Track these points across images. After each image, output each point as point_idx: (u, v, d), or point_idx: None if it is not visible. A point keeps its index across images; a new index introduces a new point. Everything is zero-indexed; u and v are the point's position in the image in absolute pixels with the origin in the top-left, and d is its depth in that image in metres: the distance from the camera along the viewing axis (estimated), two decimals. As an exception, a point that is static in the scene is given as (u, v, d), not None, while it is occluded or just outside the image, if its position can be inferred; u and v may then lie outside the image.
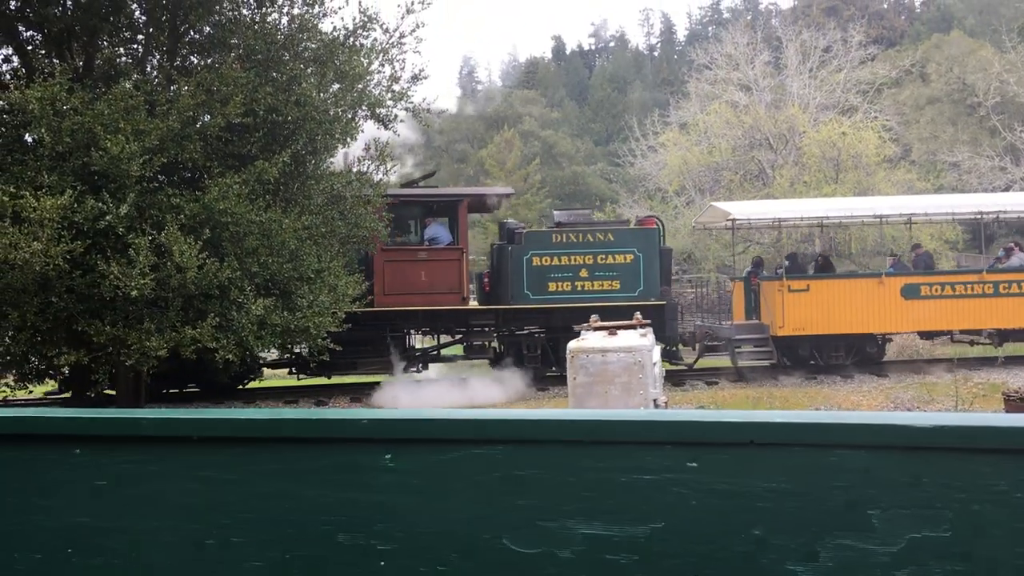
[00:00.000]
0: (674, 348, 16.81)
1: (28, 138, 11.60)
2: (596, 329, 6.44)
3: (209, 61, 12.23)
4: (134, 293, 10.28)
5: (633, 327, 6.76)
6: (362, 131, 14.56)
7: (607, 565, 1.79)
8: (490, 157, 50.79)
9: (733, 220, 17.76)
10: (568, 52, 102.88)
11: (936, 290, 16.85)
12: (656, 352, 6.74)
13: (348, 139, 13.68)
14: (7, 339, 10.62)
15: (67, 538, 2.08)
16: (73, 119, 10.34)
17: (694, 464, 1.78)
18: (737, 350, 16.85)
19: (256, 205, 11.36)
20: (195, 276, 10.55)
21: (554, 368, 16.02)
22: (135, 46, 12.91)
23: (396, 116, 14.30)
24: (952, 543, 1.65)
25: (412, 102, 14.04)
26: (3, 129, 11.88)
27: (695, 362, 17.68)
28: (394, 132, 14.71)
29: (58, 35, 11.71)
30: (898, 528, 1.66)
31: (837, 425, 1.74)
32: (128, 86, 11.05)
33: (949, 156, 33.05)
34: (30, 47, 12.25)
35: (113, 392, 13.32)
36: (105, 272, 10.30)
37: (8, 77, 11.92)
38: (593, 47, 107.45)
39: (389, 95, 13.90)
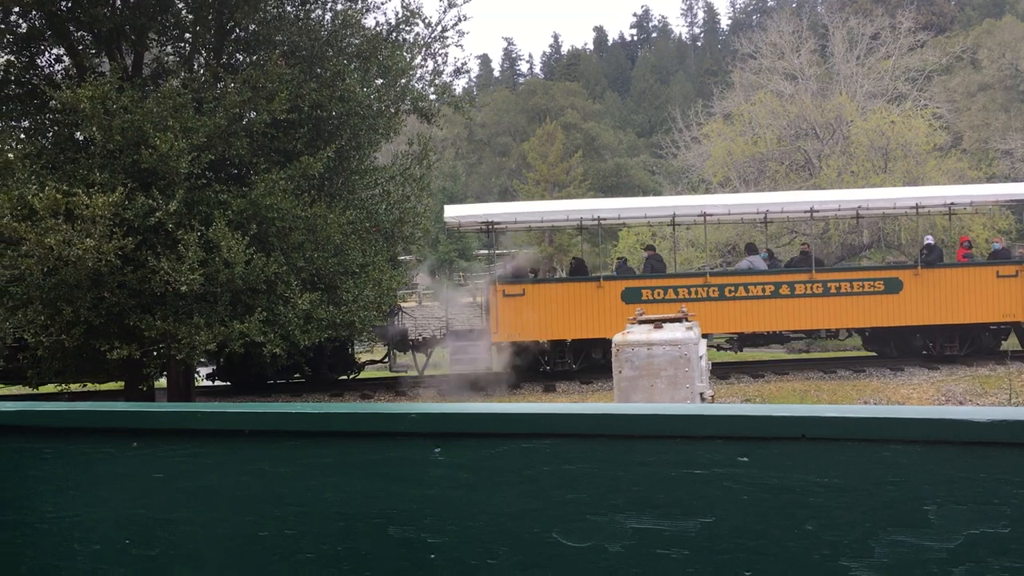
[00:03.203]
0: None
1: (80, 137, 11.83)
2: (642, 322, 6.40)
3: (255, 58, 12.36)
4: (184, 288, 10.44)
5: (679, 320, 6.72)
6: (405, 125, 14.65)
7: (657, 559, 1.78)
8: (532, 150, 50.73)
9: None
10: (610, 43, 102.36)
11: (659, 294, 16.43)
12: (702, 345, 6.69)
13: (391, 134, 13.77)
14: (62, 334, 10.84)
15: (125, 529, 2.13)
16: (123, 117, 10.51)
17: (745, 458, 1.76)
18: (454, 356, 16.50)
19: (301, 200, 11.47)
20: (242, 271, 10.69)
21: None
22: (182, 45, 13.09)
23: (438, 110, 14.36)
24: (1011, 539, 1.61)
25: (455, 96, 14.06)
26: (56, 128, 12.14)
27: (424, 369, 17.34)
28: (437, 127, 14.77)
29: (108, 35, 11.91)
30: (955, 524, 1.63)
31: (892, 420, 1.71)
32: (176, 84, 11.22)
33: (1001, 144, 32.32)
34: (81, 47, 12.48)
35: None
36: (155, 267, 10.48)
37: (60, 77, 12.16)
38: (635, 38, 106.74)
39: (431, 89, 13.95)
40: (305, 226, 11.53)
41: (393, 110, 13.36)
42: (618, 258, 19.38)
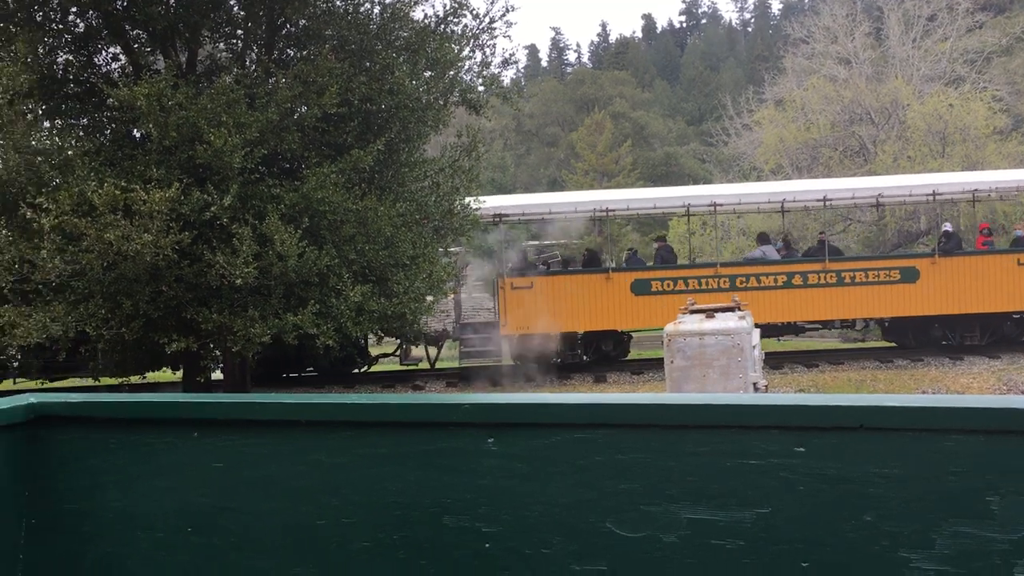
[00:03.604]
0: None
1: (136, 133, 12.08)
2: (693, 312, 6.35)
3: (305, 53, 12.49)
4: (239, 281, 10.62)
5: (731, 310, 6.65)
6: (454, 117, 14.70)
7: (713, 550, 1.77)
8: (580, 140, 50.55)
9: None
10: (659, 30, 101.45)
11: (668, 285, 16.19)
12: (756, 335, 6.62)
13: (440, 126, 13.83)
14: (122, 327, 11.10)
15: (187, 518, 2.18)
16: (178, 114, 10.71)
17: (801, 449, 1.74)
18: (464, 348, 16.48)
19: (352, 193, 11.58)
20: (295, 264, 10.83)
21: None
22: (234, 41, 13.28)
23: (487, 101, 14.37)
24: None
25: (504, 87, 14.07)
26: (114, 125, 12.40)
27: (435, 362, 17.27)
28: (486, 118, 14.79)
29: (162, 33, 12.13)
30: (1019, 515, 1.60)
31: (953, 409, 1.68)
32: (229, 80, 11.39)
33: (1065, 126, 31.34)
34: (136, 46, 12.73)
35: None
36: (211, 261, 10.67)
37: (117, 75, 12.41)
38: (684, 24, 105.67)
39: (480, 81, 13.97)
40: (356, 219, 11.63)
41: (442, 102, 13.41)
42: (628, 250, 19.24)
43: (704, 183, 39.63)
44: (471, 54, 13.80)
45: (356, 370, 16.97)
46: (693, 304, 6.84)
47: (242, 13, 12.67)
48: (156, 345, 11.61)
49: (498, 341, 16.30)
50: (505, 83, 15.17)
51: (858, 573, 1.69)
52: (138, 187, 10.32)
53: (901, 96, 28.41)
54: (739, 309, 6.82)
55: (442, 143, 16.08)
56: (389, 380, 16.70)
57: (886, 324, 17.57)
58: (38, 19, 11.82)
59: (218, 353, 12.80)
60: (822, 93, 30.03)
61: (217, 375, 14.79)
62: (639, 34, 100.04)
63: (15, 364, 13.80)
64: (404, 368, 17.54)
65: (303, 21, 12.49)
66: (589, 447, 1.89)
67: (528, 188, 50.63)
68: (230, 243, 10.76)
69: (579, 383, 15.62)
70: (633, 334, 18.05)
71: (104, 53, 12.98)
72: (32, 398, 2.34)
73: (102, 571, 2.22)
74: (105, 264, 10.49)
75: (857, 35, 31.47)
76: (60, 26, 12.18)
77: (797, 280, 16.20)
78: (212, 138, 10.44)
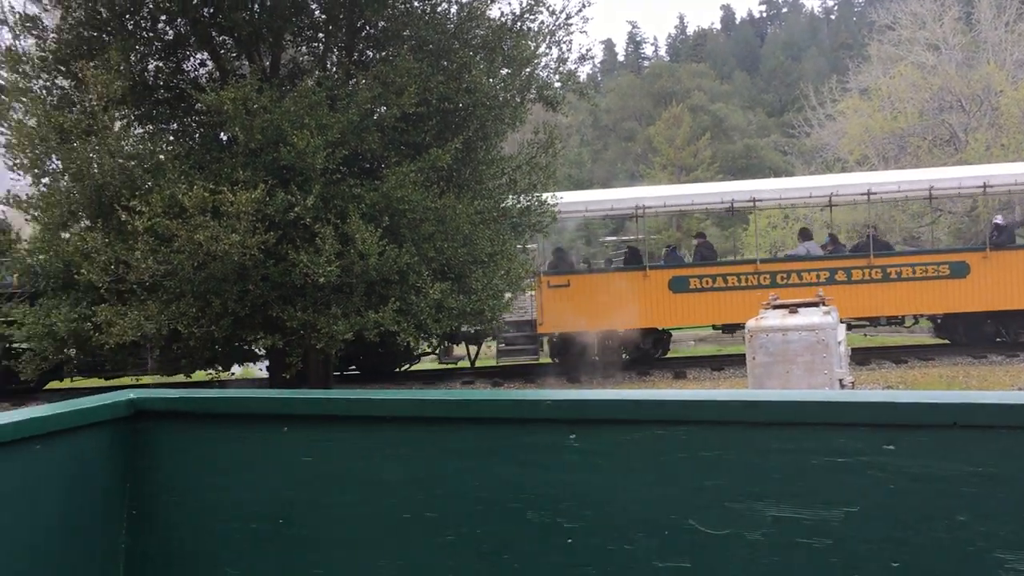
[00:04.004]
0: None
1: (223, 137, 12.43)
2: (776, 307, 6.25)
3: (384, 54, 12.67)
4: (322, 280, 10.84)
5: (815, 305, 6.52)
6: (531, 114, 14.72)
7: (799, 548, 1.75)
8: (658, 134, 50.08)
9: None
10: (738, 21, 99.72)
11: (707, 283, 15.70)
12: (841, 330, 6.47)
13: (517, 123, 13.87)
14: (212, 325, 11.44)
15: (278, 510, 2.24)
16: (263, 117, 10.98)
17: (891, 447, 1.70)
18: (501, 346, 16.22)
19: (431, 192, 11.71)
20: (376, 262, 11.00)
21: None
22: (316, 44, 13.55)
23: (563, 97, 14.35)
24: None
25: (580, 82, 14.04)
26: (202, 130, 12.79)
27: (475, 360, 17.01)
28: (563, 114, 14.78)
29: (247, 38, 12.45)
30: None
31: None
32: (311, 83, 11.63)
33: None
34: (222, 51, 13.09)
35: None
36: (295, 260, 10.92)
37: (204, 80, 12.79)
38: (764, 14, 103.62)
39: (556, 77, 13.97)
40: (435, 217, 11.76)
41: (519, 99, 13.45)
42: (667, 246, 18.95)
43: (786, 175, 38.85)
44: (547, 50, 13.81)
45: (398, 368, 17.10)
46: (776, 299, 6.72)
47: (323, 17, 12.92)
48: (243, 342, 11.93)
49: (535, 340, 16.28)
50: (581, 79, 15.10)
51: (951, 574, 1.65)
52: (225, 189, 10.62)
53: (993, 82, 27.35)
54: (823, 304, 6.68)
55: (519, 140, 16.14)
56: (429, 378, 16.82)
57: (938, 320, 17.04)
58: (130, 28, 12.25)
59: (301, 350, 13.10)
60: (910, 81, 29.10)
61: (262, 372, 15.22)
62: (717, 25, 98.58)
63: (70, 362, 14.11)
64: (443, 367, 17.63)
65: (382, 23, 12.66)
66: (671, 444, 1.89)
67: (605, 184, 50.37)
68: (313, 242, 10.99)
69: (658, 379, 15.49)
70: (673, 332, 17.92)
71: (192, 59, 13.39)
72: (132, 394, 2.44)
73: (199, 562, 2.31)
74: (195, 264, 10.82)
75: (946, 20, 30.38)
76: (150, 34, 12.60)
77: (841, 276, 15.83)
78: (295, 140, 10.68)
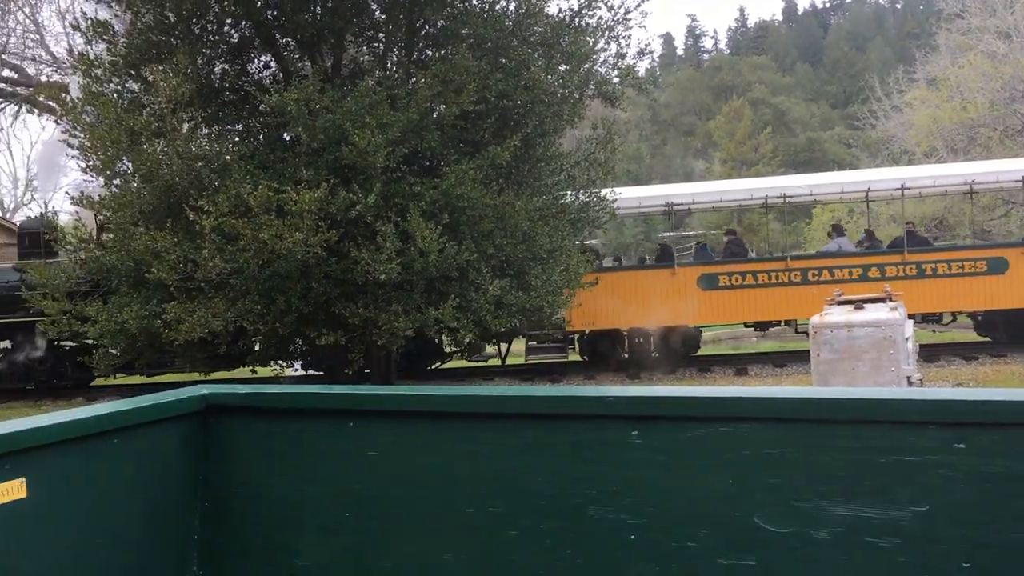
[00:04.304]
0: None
1: (287, 137, 12.64)
2: (840, 303, 6.15)
3: (443, 53, 12.75)
4: (383, 277, 10.97)
5: (882, 300, 6.39)
6: (589, 110, 14.68)
7: (867, 548, 1.73)
8: (718, 128, 49.50)
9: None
10: (800, 12, 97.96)
11: (736, 280, 15.34)
12: (909, 326, 6.33)
13: (575, 119, 13.85)
14: (276, 322, 11.66)
15: (346, 503, 2.29)
16: (325, 117, 11.15)
17: (962, 445, 1.68)
18: (530, 344, 16.05)
19: (490, 189, 11.76)
20: (436, 259, 11.09)
21: None
22: (376, 44, 13.70)
23: (622, 93, 14.29)
24: None
25: (639, 77, 13.95)
26: (266, 130, 13.03)
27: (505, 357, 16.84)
28: (621, 110, 14.71)
29: (309, 40, 12.65)
30: None
31: None
32: (371, 83, 11.77)
33: None
34: (285, 53, 13.32)
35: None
36: (357, 258, 11.06)
37: (268, 82, 13.03)
38: (828, 4, 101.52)
39: (615, 72, 13.90)
40: (494, 214, 11.81)
41: (577, 95, 13.42)
42: (697, 243, 18.66)
43: (850, 168, 38.07)
44: (606, 46, 13.76)
45: (430, 366, 17.18)
46: (840, 295, 6.61)
47: (383, 17, 13.05)
48: (307, 339, 12.12)
49: (564, 338, 16.24)
50: (640, 73, 15.03)
51: None
52: (289, 188, 10.81)
53: (1069, 70, 26.44)
54: (890, 300, 6.54)
55: (577, 136, 16.09)
56: (460, 376, 16.81)
57: (979, 317, 16.57)
58: (196, 31, 12.54)
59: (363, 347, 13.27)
60: (979, 70, 28.25)
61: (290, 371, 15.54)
62: (779, 17, 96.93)
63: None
64: (473, 364, 17.65)
65: (441, 21, 12.75)
66: (735, 441, 1.88)
67: (664, 179, 49.94)
68: (374, 240, 11.12)
69: (719, 376, 15.34)
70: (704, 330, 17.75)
71: (256, 61, 13.65)
72: (204, 389, 2.52)
73: (271, 554, 2.37)
74: (260, 262, 11.03)
75: (1018, 7, 29.40)
76: (216, 37, 12.88)
77: (874, 273, 15.48)
78: (357, 139, 10.82)
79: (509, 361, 17.26)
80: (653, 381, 15.24)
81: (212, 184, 11.29)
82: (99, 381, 17.32)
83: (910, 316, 16.11)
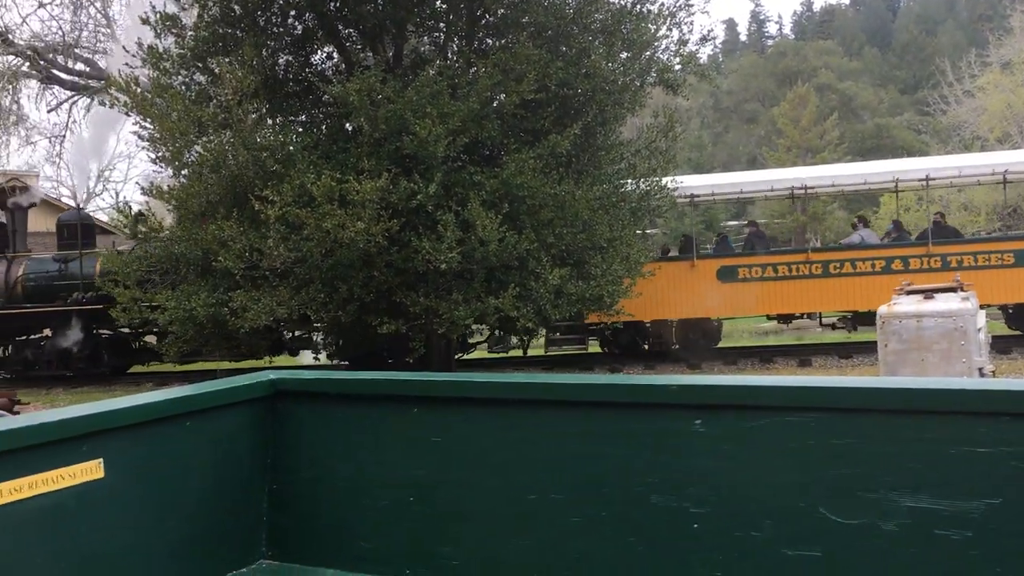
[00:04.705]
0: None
1: (349, 127, 12.79)
2: (910, 293, 6.01)
3: (503, 42, 12.75)
4: (443, 266, 11.05)
5: (953, 290, 6.23)
6: (651, 98, 14.54)
7: (936, 541, 1.70)
8: (782, 115, 48.60)
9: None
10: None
11: (756, 272, 15.01)
12: (981, 317, 6.16)
13: (636, 107, 13.73)
14: (339, 311, 11.82)
15: (409, 488, 2.33)
16: (387, 107, 11.24)
17: None
18: (551, 335, 15.93)
19: (550, 178, 11.74)
20: (496, 249, 11.12)
21: None
22: (437, 34, 13.76)
23: (684, 80, 14.13)
24: None
25: (701, 64, 13.78)
26: (329, 121, 13.20)
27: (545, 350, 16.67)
28: (683, 97, 14.55)
29: (371, 30, 12.76)
30: None
31: None
32: (432, 73, 11.82)
33: None
34: (348, 44, 13.46)
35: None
36: (418, 247, 11.15)
37: (331, 73, 13.18)
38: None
39: (677, 59, 13.75)
40: (554, 203, 11.79)
41: (638, 83, 13.31)
42: (718, 235, 18.32)
43: (919, 155, 37.11)
44: (668, 32, 13.62)
45: (456, 356, 17.23)
46: (909, 284, 6.46)
47: (444, 6, 13.10)
48: (368, 327, 12.27)
49: (583, 329, 16.19)
50: (702, 60, 14.83)
51: None
52: (351, 178, 10.94)
53: None
54: (962, 290, 6.38)
55: (638, 125, 15.97)
56: (482, 367, 16.70)
57: (1010, 311, 16.12)
58: (261, 24, 12.74)
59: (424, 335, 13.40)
60: (1057, 52, 27.30)
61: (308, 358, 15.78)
62: (846, 1, 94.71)
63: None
64: (494, 355, 17.65)
65: (501, 10, 12.74)
66: (801, 431, 1.86)
67: (726, 167, 49.29)
68: (435, 229, 11.20)
69: (782, 367, 15.12)
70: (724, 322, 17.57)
71: (319, 53, 13.82)
72: (272, 375, 2.57)
73: (336, 536, 2.42)
74: (323, 251, 11.19)
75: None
76: (280, 29, 13.07)
77: (897, 265, 15.15)
78: (418, 129, 10.89)
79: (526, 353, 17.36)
80: (704, 371, 15.12)
81: (276, 174, 11.48)
82: (135, 368, 18.05)
83: None
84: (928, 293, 5.90)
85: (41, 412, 2.13)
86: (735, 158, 56.60)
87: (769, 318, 17.30)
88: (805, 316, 16.79)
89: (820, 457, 1.83)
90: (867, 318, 16.17)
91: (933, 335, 5.44)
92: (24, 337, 17.33)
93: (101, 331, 16.94)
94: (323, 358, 15.71)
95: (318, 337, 14.88)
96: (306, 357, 16.24)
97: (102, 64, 22.63)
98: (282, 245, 11.11)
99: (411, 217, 11.49)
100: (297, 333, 15.07)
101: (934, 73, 41.44)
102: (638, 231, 14.45)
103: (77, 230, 17.08)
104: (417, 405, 2.35)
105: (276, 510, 2.50)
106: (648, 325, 16.43)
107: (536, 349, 17.39)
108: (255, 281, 11.69)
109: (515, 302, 11.48)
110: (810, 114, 46.71)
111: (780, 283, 15.52)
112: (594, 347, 17.43)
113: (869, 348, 15.57)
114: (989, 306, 16.20)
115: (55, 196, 33.65)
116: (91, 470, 2.01)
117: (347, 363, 15.37)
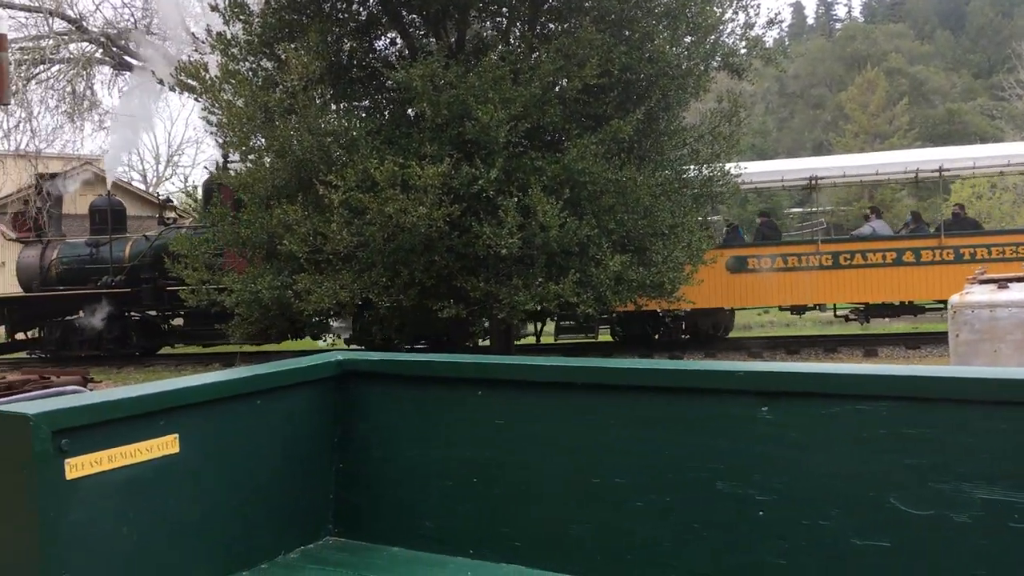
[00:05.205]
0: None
1: (411, 113, 12.87)
2: (983, 282, 5.85)
3: (566, 26, 12.69)
4: (504, 252, 11.08)
5: (1028, 280, 6.04)
6: (715, 82, 14.35)
7: (1012, 534, 1.66)
8: (850, 100, 47.56)
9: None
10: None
11: (766, 263, 14.77)
12: (1057, 307, 5.97)
13: (700, 92, 13.56)
14: (400, 295, 11.94)
15: (473, 469, 2.35)
16: (449, 93, 11.29)
17: None
18: (562, 323, 15.86)
19: (612, 163, 11.68)
20: (557, 234, 11.11)
21: None
22: (500, 19, 13.74)
23: (750, 64, 13.90)
24: None
25: (767, 48, 13.55)
26: (392, 106, 13.30)
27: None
28: (748, 82, 14.33)
29: (434, 16, 12.81)
30: None
31: None
32: (494, 58, 11.82)
33: None
34: (411, 29, 13.54)
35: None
36: (479, 232, 11.20)
37: (394, 58, 13.27)
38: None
39: (743, 43, 13.53)
40: (616, 189, 11.73)
41: (703, 67, 13.13)
42: (727, 224, 17.96)
43: (993, 142, 36.00)
44: (734, 16, 13.42)
45: (469, 343, 17.24)
46: (982, 274, 6.28)
47: (507, -10, 13.08)
48: (429, 312, 12.37)
49: (595, 317, 16.13)
50: (769, 44, 14.58)
51: None
52: (413, 163, 11.02)
53: None
54: (1037, 280, 6.18)
55: (701, 110, 15.77)
56: (494, 354, 16.67)
57: None
58: (326, 10, 12.87)
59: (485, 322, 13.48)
60: None
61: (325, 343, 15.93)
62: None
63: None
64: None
65: (564, -6, 12.67)
66: (871, 419, 1.83)
67: (791, 153, 48.41)
68: (496, 215, 11.23)
69: (847, 356, 14.87)
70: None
71: (383, 38, 13.93)
72: (340, 355, 2.62)
73: (401, 515, 2.46)
74: (385, 236, 11.31)
75: None
76: (345, 15, 13.19)
77: (908, 257, 15.01)
78: (480, 114, 10.91)
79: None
80: (807, 358, 15.01)
81: (340, 159, 11.61)
82: (165, 350, 18.73)
83: (941, 302, 15.52)
84: (1002, 283, 5.74)
85: (119, 388, 2.21)
86: (800, 144, 55.57)
87: (781, 309, 17.29)
88: (816, 307, 16.72)
89: (891, 446, 1.80)
90: (879, 310, 16.08)
91: (1007, 325, 5.29)
92: (59, 319, 18.01)
93: (131, 313, 17.58)
94: (340, 343, 16.06)
95: (335, 322, 15.13)
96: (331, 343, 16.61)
97: (172, 51, 23.12)
98: (345, 229, 11.25)
99: (472, 202, 11.54)
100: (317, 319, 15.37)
101: (1010, 57, 40.14)
102: (700, 217, 14.31)
103: (108, 215, 17.74)
104: (482, 388, 2.37)
105: (343, 488, 2.55)
106: (661, 313, 16.46)
107: (546, 337, 17.49)
108: (319, 265, 11.86)
109: (575, 288, 11.46)
110: (879, 99, 45.64)
111: (790, 274, 15.53)
112: (604, 335, 17.53)
113: (937, 339, 15.25)
114: None
115: (126, 180, 34.54)
116: (167, 445, 2.07)
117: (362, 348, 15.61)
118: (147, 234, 17.99)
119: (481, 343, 15.96)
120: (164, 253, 15.63)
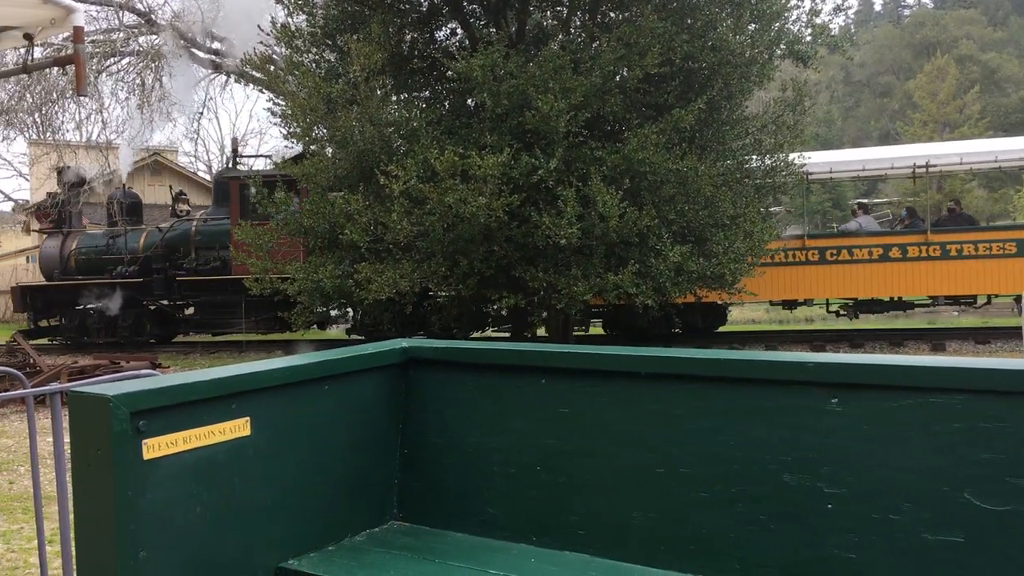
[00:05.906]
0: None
1: (471, 103, 12.91)
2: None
3: (627, 15, 12.58)
4: (563, 242, 11.06)
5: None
6: (779, 71, 14.12)
7: None
8: (919, 88, 46.36)
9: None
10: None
11: (764, 258, 14.08)
12: None
13: (764, 81, 13.35)
14: (459, 284, 12.02)
15: (535, 457, 2.36)
16: (509, 83, 11.29)
17: None
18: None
19: (672, 154, 11.57)
20: (616, 225, 11.06)
21: None
22: (560, 8, 13.69)
23: (815, 52, 13.64)
24: None
25: (833, 35, 13.27)
26: (452, 97, 13.35)
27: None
28: (813, 70, 14.07)
29: (495, 6, 12.82)
30: None
31: None
32: (555, 47, 11.79)
33: None
34: (472, 20, 13.56)
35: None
36: (538, 222, 11.19)
37: (455, 49, 13.31)
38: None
39: (808, 31, 13.28)
40: (676, 179, 11.62)
41: (767, 56, 12.92)
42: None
43: (1070, 131, 34.75)
44: (799, 3, 13.33)
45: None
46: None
47: (568, -20, 13.02)
48: (487, 301, 12.43)
49: (586, 310, 16.00)
50: (835, 31, 14.30)
51: None
52: (473, 153, 11.05)
53: None
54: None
55: (764, 99, 15.53)
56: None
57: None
58: (388, 1, 12.96)
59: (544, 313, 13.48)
60: None
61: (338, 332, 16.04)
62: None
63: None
64: (500, 333, 17.53)
65: (626, -17, 12.57)
66: (945, 412, 1.80)
67: (856, 143, 47.40)
68: (555, 205, 11.21)
69: (912, 350, 14.56)
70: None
71: (444, 29, 13.98)
72: (404, 343, 2.66)
73: (464, 501, 2.48)
74: (445, 225, 11.37)
75: None
76: (406, 6, 13.28)
77: (895, 253, 14.87)
78: (539, 104, 10.90)
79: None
80: (872, 351, 14.73)
81: (401, 149, 11.70)
82: (179, 338, 19.34)
83: (932, 298, 15.11)
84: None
85: (192, 372, 2.27)
86: (866, 133, 54.39)
87: (772, 304, 17.13)
88: (804, 303, 16.54)
89: (966, 440, 1.77)
90: (868, 306, 15.76)
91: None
92: (80, 307, 18.66)
93: (146, 302, 18.11)
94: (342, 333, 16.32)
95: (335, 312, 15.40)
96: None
97: (237, 43, 23.52)
98: (405, 219, 11.34)
99: (532, 192, 11.54)
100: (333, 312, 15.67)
101: (1089, 42, 38.66)
102: (762, 208, 14.10)
103: (124, 208, 18.63)
104: (545, 376, 2.38)
105: (407, 473, 2.59)
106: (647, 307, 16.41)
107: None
108: (379, 254, 11.98)
109: (635, 279, 11.40)
110: (949, 87, 44.43)
111: (778, 269, 15.38)
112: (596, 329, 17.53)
113: (1007, 333, 14.84)
114: (998, 296, 15.67)
115: (192, 171, 35.25)
116: (239, 427, 2.12)
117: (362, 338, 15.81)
118: (160, 225, 18.64)
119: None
120: (176, 244, 17.33)
